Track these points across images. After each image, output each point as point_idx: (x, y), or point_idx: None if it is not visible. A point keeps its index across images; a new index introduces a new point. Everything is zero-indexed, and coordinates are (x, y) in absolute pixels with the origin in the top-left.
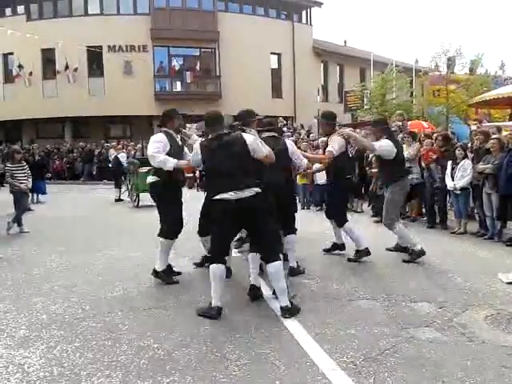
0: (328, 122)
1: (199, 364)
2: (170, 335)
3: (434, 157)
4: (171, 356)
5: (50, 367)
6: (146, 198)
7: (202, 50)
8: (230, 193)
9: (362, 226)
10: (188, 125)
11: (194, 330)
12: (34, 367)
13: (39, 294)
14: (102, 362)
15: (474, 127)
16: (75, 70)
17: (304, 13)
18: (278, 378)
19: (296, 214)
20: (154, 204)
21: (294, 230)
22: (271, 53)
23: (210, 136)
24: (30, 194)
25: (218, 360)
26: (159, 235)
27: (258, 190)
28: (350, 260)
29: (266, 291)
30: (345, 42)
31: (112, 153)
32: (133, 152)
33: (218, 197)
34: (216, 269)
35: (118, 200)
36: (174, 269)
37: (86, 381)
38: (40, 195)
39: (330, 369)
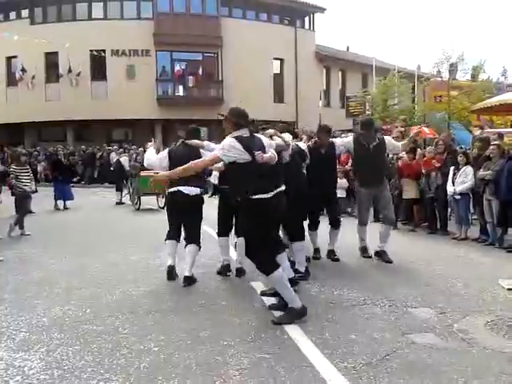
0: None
1: (199, 368)
2: (171, 339)
3: (438, 165)
4: (171, 360)
5: (50, 370)
6: (147, 201)
7: (205, 54)
8: (271, 193)
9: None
10: None
11: (194, 333)
12: (34, 370)
13: (39, 297)
14: (102, 366)
15: (477, 132)
16: (78, 74)
17: (307, 18)
18: (278, 382)
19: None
20: (155, 208)
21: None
22: (274, 58)
23: (241, 134)
24: (58, 201)
25: (218, 364)
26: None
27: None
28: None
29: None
30: (347, 47)
31: (114, 156)
32: (135, 155)
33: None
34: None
35: (119, 203)
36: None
37: None
38: (69, 201)
39: (331, 374)
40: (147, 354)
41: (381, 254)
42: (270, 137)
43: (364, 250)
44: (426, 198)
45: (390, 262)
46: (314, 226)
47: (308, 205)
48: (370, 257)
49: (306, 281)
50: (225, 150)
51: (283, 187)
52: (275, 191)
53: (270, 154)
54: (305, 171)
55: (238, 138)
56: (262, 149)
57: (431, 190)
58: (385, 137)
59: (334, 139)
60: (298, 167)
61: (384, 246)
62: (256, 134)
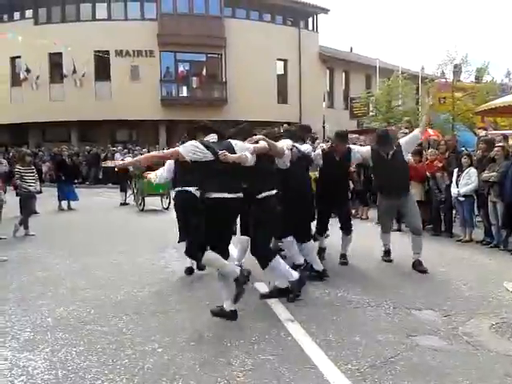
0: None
1: (203, 369)
2: (175, 340)
3: (440, 165)
4: (175, 361)
5: (54, 370)
6: (151, 202)
7: (209, 55)
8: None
9: (367, 234)
10: None
11: (198, 334)
12: (38, 370)
13: (44, 297)
14: (106, 366)
15: (483, 133)
16: (83, 75)
17: (310, 19)
18: None
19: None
20: (159, 209)
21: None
22: (277, 59)
23: (209, 139)
24: (62, 202)
25: (222, 365)
26: None
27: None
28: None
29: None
30: (351, 48)
31: (118, 157)
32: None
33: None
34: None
35: (124, 204)
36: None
37: None
38: (72, 201)
39: (335, 376)
40: (151, 354)
41: (416, 265)
42: (256, 142)
43: (387, 253)
44: (434, 199)
45: (425, 272)
46: (321, 232)
47: (312, 205)
48: (391, 261)
49: (321, 280)
50: (186, 147)
51: (269, 192)
52: (260, 194)
53: (241, 154)
54: (316, 174)
55: (202, 142)
56: (230, 151)
57: (442, 192)
58: (400, 140)
59: (352, 146)
60: (301, 171)
61: (419, 256)
62: (230, 140)
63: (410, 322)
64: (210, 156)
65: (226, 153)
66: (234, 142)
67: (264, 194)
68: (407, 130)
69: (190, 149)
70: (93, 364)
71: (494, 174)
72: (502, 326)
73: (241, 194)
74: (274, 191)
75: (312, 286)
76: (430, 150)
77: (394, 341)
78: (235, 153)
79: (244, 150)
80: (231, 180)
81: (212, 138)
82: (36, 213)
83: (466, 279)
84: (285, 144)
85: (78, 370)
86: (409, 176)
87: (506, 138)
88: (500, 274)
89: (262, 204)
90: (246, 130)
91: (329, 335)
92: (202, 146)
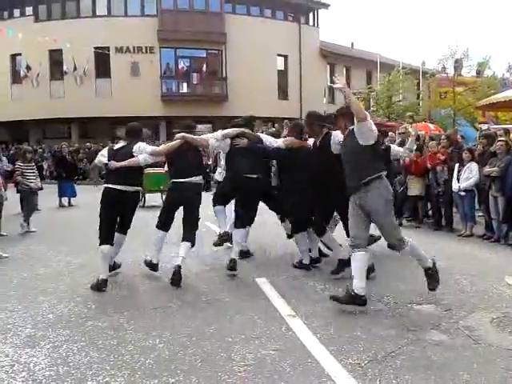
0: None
1: (204, 364)
2: (176, 335)
3: (443, 158)
4: (176, 356)
5: (55, 366)
6: (151, 198)
7: (209, 51)
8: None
9: None
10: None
11: (199, 330)
12: (39, 366)
13: (45, 294)
14: (107, 362)
15: (485, 126)
16: (83, 72)
17: (311, 15)
18: (283, 379)
19: None
20: (159, 205)
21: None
22: (278, 54)
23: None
24: (63, 198)
25: (223, 360)
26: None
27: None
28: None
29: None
30: (352, 44)
31: None
32: None
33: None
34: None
35: None
36: None
37: (91, 380)
38: (71, 198)
39: (336, 370)
40: (152, 350)
41: (426, 275)
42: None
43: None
44: (432, 193)
45: (433, 290)
46: (317, 231)
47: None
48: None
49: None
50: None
51: (189, 179)
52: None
53: (130, 160)
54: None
55: (110, 148)
56: (128, 155)
57: (439, 185)
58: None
59: (333, 132)
60: (243, 160)
61: (424, 263)
62: (139, 143)
63: (411, 317)
64: (105, 160)
65: (113, 163)
66: (137, 145)
67: (181, 180)
68: (409, 126)
69: (99, 155)
70: (94, 360)
71: (496, 168)
72: (503, 320)
73: (131, 188)
74: (196, 177)
75: (312, 282)
76: (431, 143)
77: (395, 335)
78: (132, 156)
79: (141, 152)
80: (126, 175)
81: (122, 142)
82: (37, 209)
83: (467, 274)
84: (210, 135)
85: (80, 366)
86: (361, 163)
87: (507, 132)
88: (501, 269)
89: (181, 188)
90: (186, 125)
91: (330, 330)
92: (105, 152)
